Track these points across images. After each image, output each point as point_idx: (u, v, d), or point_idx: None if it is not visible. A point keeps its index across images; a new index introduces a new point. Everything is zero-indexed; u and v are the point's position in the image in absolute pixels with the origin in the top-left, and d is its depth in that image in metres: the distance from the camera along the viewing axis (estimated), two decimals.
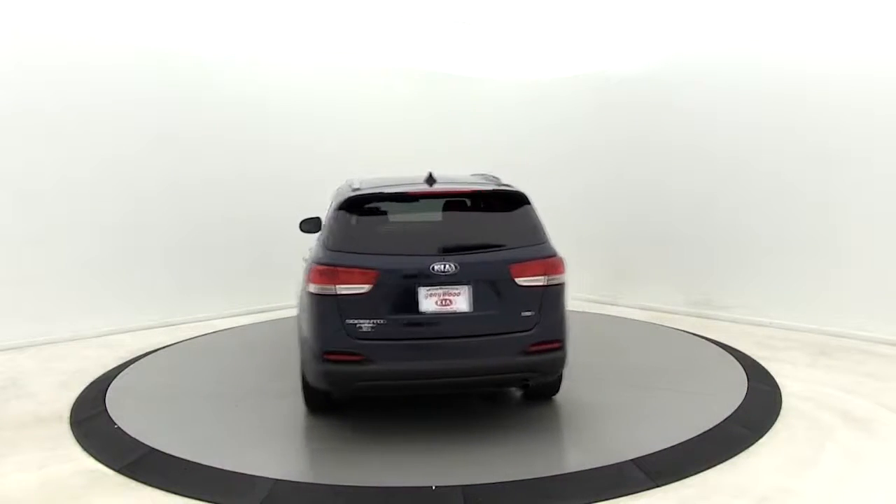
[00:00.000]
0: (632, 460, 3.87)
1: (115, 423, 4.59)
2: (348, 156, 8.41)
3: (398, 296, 4.14)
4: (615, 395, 5.28)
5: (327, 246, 4.31)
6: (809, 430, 4.38)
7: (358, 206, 4.44)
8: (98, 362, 6.14)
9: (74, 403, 5.07)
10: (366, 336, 4.07)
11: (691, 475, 3.72)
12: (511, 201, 4.54)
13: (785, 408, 4.78)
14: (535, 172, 9.17)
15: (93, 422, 4.69)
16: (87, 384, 5.51)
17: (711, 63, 7.87)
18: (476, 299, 4.13)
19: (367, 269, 4.10)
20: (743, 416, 4.59)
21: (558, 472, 3.77)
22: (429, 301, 4.10)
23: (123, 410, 4.84)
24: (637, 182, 8.62)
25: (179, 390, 5.43)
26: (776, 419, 4.56)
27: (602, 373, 5.78)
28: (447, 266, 4.09)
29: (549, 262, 4.28)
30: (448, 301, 4.11)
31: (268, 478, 3.73)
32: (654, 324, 7.55)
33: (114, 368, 5.96)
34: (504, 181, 4.91)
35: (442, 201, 4.71)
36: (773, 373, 5.59)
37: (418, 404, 4.91)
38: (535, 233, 4.42)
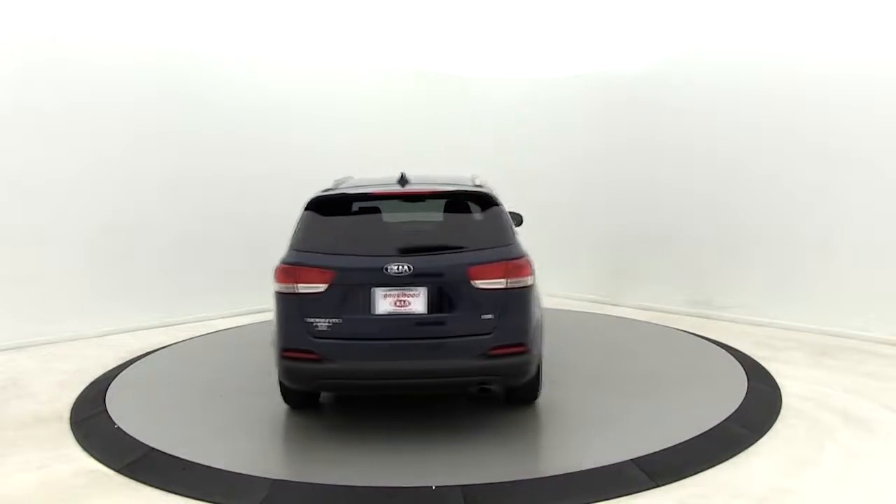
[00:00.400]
0: (632, 460, 3.87)
1: (115, 423, 4.59)
2: (348, 155, 8.42)
3: (354, 296, 4.16)
4: (615, 395, 5.29)
5: (293, 245, 4.41)
6: (809, 430, 4.38)
7: (323, 206, 4.51)
8: (98, 362, 6.14)
9: (74, 403, 5.07)
10: (323, 335, 4.13)
11: (691, 475, 3.72)
12: (478, 202, 4.51)
13: (785, 408, 4.78)
14: (535, 172, 9.23)
15: (93, 422, 4.69)
16: (87, 384, 5.51)
17: (711, 63, 7.87)
18: (432, 301, 4.13)
19: (324, 268, 4.17)
20: (743, 416, 4.58)
21: (558, 472, 3.77)
22: (385, 302, 4.13)
23: (123, 410, 4.84)
24: (637, 182, 8.62)
25: (179, 390, 5.43)
26: (776, 419, 4.56)
27: (602, 372, 5.78)
28: (402, 267, 4.11)
29: (511, 264, 4.19)
30: (404, 302, 4.12)
31: (267, 478, 3.73)
32: (655, 324, 7.55)
33: (114, 368, 5.96)
34: (479, 182, 4.83)
35: (409, 202, 4.72)
36: (773, 373, 5.59)
37: (417, 404, 4.92)
38: (499, 234, 4.36)
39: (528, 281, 4.24)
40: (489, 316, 4.10)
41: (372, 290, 4.13)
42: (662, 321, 7.64)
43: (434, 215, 4.73)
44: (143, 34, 7.45)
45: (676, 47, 8.23)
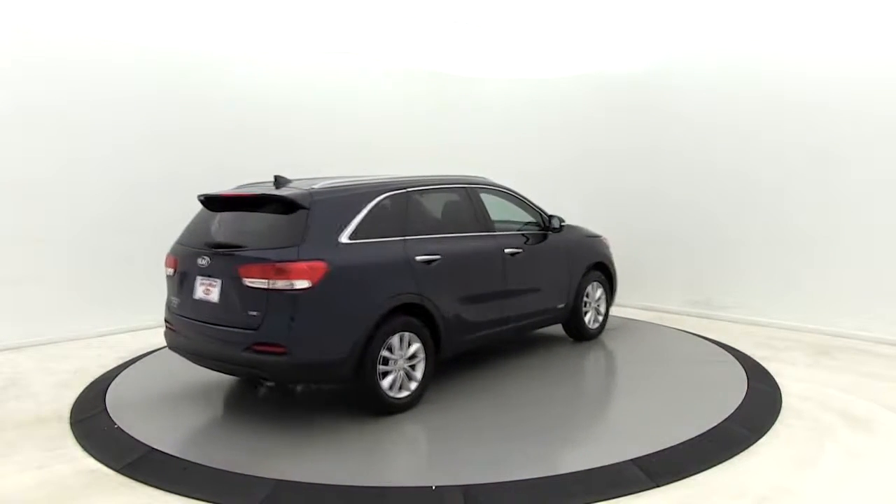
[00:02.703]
0: (632, 460, 3.87)
1: (115, 423, 4.59)
2: (349, 155, 8.43)
3: (185, 281, 4.84)
4: (614, 395, 5.29)
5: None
6: (809, 430, 4.38)
7: (202, 204, 5.16)
8: (98, 362, 6.15)
9: (74, 403, 5.07)
10: (174, 311, 4.97)
11: (691, 475, 3.73)
12: (285, 206, 4.62)
13: (785, 408, 4.79)
14: (535, 173, 9.23)
15: (93, 422, 4.69)
16: (87, 384, 5.52)
17: (712, 66, 7.87)
18: (222, 293, 4.56)
19: (173, 256, 5.03)
20: (743, 416, 4.59)
21: (558, 472, 3.77)
22: (200, 289, 4.72)
23: (123, 410, 4.85)
24: (638, 182, 8.62)
25: (179, 390, 5.43)
26: (776, 419, 4.57)
27: (601, 372, 5.79)
28: (204, 260, 4.69)
29: (275, 266, 4.31)
30: (209, 291, 4.66)
31: (268, 478, 3.74)
32: (655, 324, 7.56)
33: (114, 368, 5.97)
34: (322, 188, 4.76)
35: (244, 204, 4.94)
36: (773, 373, 5.59)
37: (417, 404, 4.92)
38: (287, 237, 4.45)
39: (298, 285, 4.29)
40: (255, 313, 4.37)
41: (196, 277, 4.74)
42: (663, 321, 7.65)
43: (251, 216, 4.90)
44: (142, 34, 7.45)
45: (677, 49, 8.23)
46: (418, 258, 4.95)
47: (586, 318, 6.70)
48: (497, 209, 6.05)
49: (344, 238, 4.59)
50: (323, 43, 8.77)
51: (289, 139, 8.43)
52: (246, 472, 3.80)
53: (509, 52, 9.84)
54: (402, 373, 4.76)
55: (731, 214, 7.76)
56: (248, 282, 4.38)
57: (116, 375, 5.75)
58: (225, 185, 8.00)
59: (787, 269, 7.29)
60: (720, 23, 7.81)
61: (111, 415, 4.76)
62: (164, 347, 6.60)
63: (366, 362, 4.51)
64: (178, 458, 4.04)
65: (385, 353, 4.64)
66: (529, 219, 6.28)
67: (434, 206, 5.62)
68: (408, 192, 5.17)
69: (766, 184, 7.43)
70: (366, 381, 4.56)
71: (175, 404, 5.13)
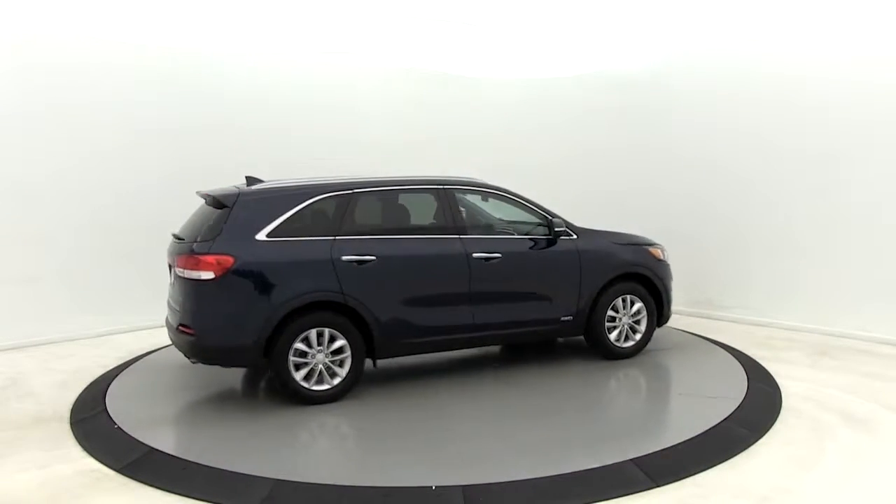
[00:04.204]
0: (632, 460, 3.87)
1: (115, 423, 4.59)
2: (349, 155, 8.42)
3: (171, 269, 5.30)
4: (615, 395, 5.28)
5: None
6: (810, 431, 4.38)
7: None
8: (98, 362, 6.15)
9: (74, 403, 5.08)
10: (168, 297, 5.44)
11: (691, 475, 3.73)
12: (219, 204, 5.04)
13: (785, 408, 4.78)
14: (535, 172, 9.23)
15: (93, 422, 4.70)
16: (87, 384, 5.52)
17: (712, 66, 7.86)
18: (174, 279, 5.11)
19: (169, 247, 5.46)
20: (743, 417, 4.59)
21: (558, 472, 3.77)
22: (173, 275, 5.21)
23: (123, 410, 4.85)
24: (638, 182, 8.61)
25: (179, 390, 5.44)
26: (776, 419, 4.57)
27: (601, 372, 5.78)
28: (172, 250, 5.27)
29: (189, 258, 4.80)
30: (176, 277, 5.08)
31: (268, 478, 3.73)
32: None
33: (114, 368, 5.97)
34: (261, 187, 5.24)
35: (207, 200, 5.32)
36: (773, 373, 5.59)
37: (418, 403, 4.92)
38: (210, 232, 4.87)
39: (202, 275, 4.71)
40: (181, 298, 4.91)
41: (172, 265, 5.24)
42: None
43: (207, 211, 5.21)
44: (142, 33, 7.45)
45: (677, 48, 8.23)
46: (346, 258, 4.95)
47: (613, 335, 5.95)
48: (497, 212, 5.98)
49: (261, 236, 4.86)
50: (322, 43, 8.77)
51: (289, 139, 8.43)
52: (245, 472, 3.80)
53: (509, 52, 9.83)
54: (321, 366, 4.87)
55: (732, 215, 7.75)
56: (178, 270, 4.90)
57: (116, 375, 5.75)
58: (223, 185, 8.04)
59: (788, 270, 7.28)
60: (720, 23, 7.80)
61: (111, 415, 4.76)
62: (164, 347, 6.67)
63: (275, 352, 4.75)
64: (178, 458, 4.04)
65: (300, 345, 4.81)
66: (535, 223, 5.84)
67: (385, 207, 5.50)
68: (353, 193, 5.20)
69: (766, 184, 7.43)
70: (275, 370, 4.82)
71: (175, 404, 5.13)
